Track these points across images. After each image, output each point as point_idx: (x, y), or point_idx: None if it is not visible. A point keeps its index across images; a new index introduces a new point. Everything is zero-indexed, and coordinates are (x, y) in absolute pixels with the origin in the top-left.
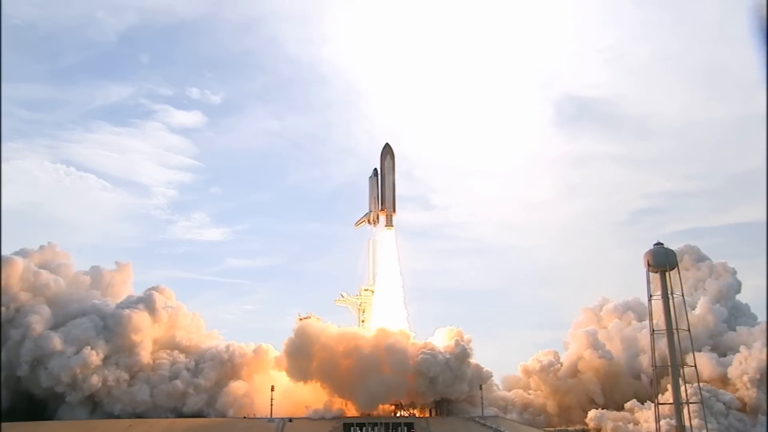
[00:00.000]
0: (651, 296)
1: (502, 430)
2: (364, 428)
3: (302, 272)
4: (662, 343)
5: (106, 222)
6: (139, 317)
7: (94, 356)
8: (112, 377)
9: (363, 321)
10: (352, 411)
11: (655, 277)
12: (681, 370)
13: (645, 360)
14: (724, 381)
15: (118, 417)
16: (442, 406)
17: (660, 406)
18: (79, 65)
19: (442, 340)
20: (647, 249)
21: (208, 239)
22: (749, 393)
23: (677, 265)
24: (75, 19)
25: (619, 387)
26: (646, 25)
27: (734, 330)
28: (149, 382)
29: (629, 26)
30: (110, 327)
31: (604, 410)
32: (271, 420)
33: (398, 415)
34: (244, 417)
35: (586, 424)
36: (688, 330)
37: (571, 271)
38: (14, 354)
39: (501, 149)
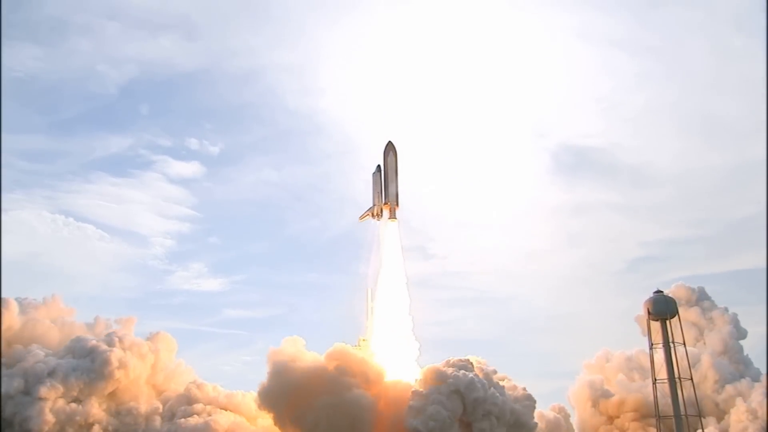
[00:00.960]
0: (652, 345)
1: None
2: None
3: (301, 322)
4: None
5: (104, 272)
6: None
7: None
8: None
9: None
10: None
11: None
12: (685, 419)
13: None
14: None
15: None
16: None
17: None
18: (79, 117)
19: None
20: (647, 297)
21: (206, 289)
22: None
23: (677, 312)
24: (76, 72)
25: None
26: (640, 75)
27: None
28: None
29: (624, 76)
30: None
31: None
32: None
33: None
34: None
35: None
36: (691, 379)
37: (571, 320)
38: None
39: (499, 199)
